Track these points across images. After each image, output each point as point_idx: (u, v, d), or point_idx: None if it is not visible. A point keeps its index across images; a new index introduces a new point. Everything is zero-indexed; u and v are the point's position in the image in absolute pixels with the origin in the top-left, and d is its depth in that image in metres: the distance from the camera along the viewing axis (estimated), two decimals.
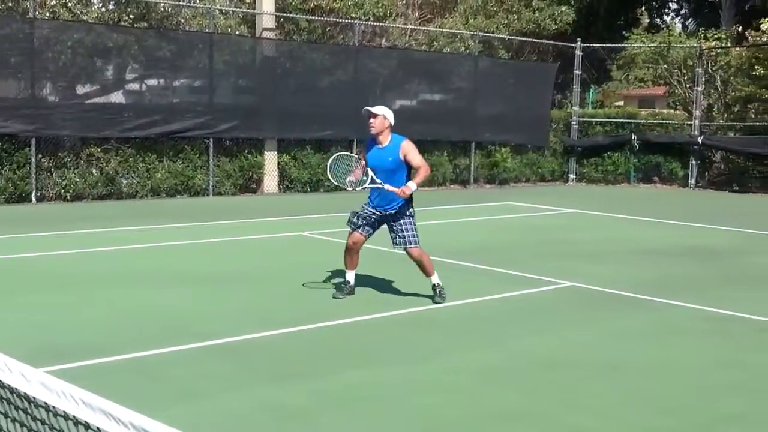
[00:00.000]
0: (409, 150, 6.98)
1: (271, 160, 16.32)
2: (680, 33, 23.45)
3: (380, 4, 19.35)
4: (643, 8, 30.78)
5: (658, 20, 30.74)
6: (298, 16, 18.00)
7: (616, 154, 20.55)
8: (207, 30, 16.09)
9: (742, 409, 4.67)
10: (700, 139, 19.47)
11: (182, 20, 16.55)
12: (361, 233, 7.01)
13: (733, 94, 19.67)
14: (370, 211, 6.99)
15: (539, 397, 4.78)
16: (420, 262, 7.07)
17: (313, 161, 16.70)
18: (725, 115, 19.82)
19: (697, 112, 19.75)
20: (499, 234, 11.68)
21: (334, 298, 7.10)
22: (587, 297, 7.55)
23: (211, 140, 15.51)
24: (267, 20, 16.57)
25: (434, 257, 9.17)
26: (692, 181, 19.73)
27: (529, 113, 19.97)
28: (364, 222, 6.99)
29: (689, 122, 20.04)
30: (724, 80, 19.84)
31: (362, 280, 8.10)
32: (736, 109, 19.73)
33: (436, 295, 7.07)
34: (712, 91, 20.00)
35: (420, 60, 19.28)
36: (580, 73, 20.99)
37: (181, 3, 16.76)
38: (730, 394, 4.91)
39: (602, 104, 31.13)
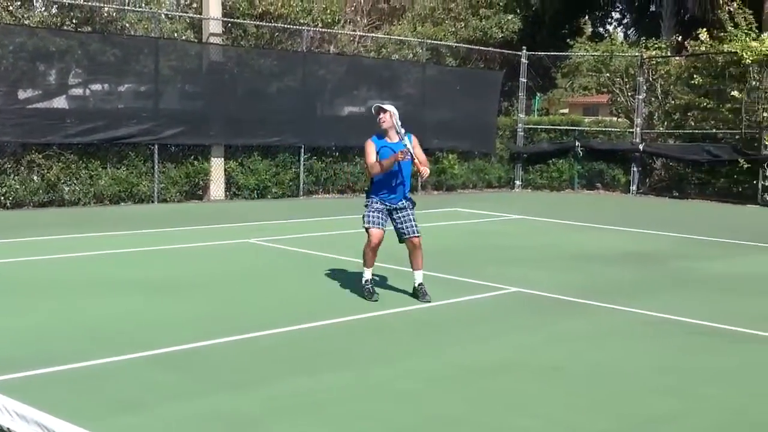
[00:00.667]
0: (417, 144, 7.43)
1: (217, 166, 16.22)
2: (622, 42, 23.90)
3: (329, 11, 19.38)
4: (587, 18, 31.31)
5: (602, 29, 31.35)
6: (245, 21, 17.91)
7: (561, 160, 20.91)
8: (152, 35, 15.93)
9: (673, 409, 4.81)
10: (641, 147, 19.91)
11: (127, 24, 16.34)
12: (382, 228, 7.36)
13: (673, 102, 20.14)
14: (380, 207, 7.37)
15: (485, 402, 4.85)
16: (419, 251, 7.45)
17: (261, 168, 16.64)
18: (665, 123, 20.30)
19: (639, 119, 20.20)
20: (446, 240, 11.79)
21: (374, 301, 7.31)
22: (531, 302, 7.67)
23: (156, 146, 15.35)
24: (214, 25, 16.48)
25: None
26: (634, 188, 20.16)
27: (476, 120, 20.19)
28: (378, 218, 7.35)
29: (631, 130, 20.48)
30: (664, 89, 20.32)
31: (309, 288, 8.12)
32: (675, 117, 20.21)
33: (422, 296, 7.43)
34: (653, 99, 20.46)
35: (368, 66, 19.37)
36: (525, 80, 21.30)
37: (125, 7, 16.55)
38: (663, 395, 5.06)
39: (547, 112, 31.61)
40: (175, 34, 17.07)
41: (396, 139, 7.38)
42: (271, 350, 5.83)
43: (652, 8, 28.92)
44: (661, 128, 20.31)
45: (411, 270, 7.55)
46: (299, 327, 6.43)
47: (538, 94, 29.43)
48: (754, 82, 18.25)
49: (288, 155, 17.16)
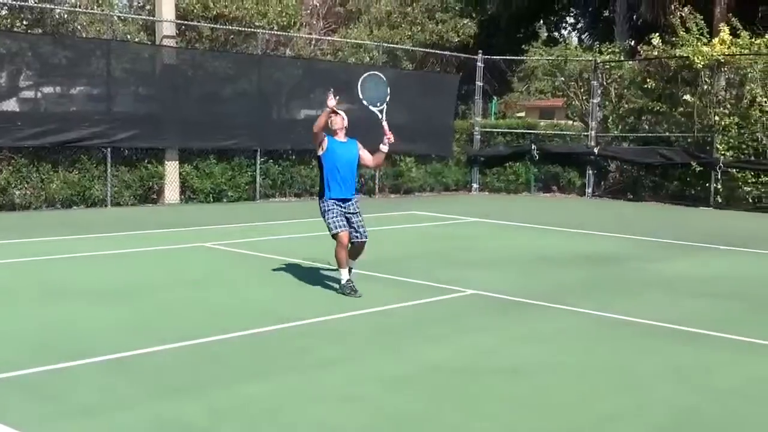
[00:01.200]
0: (361, 147, 8.12)
1: (172, 169, 16.00)
2: (576, 47, 24.22)
3: (284, 14, 19.28)
4: (542, 22, 31.68)
5: (556, 34, 31.70)
6: (199, 23, 17.74)
7: (517, 164, 21.05)
8: (105, 37, 15.67)
9: (628, 408, 4.84)
10: (596, 150, 20.15)
11: (79, 27, 16.07)
12: (347, 230, 7.75)
13: (626, 106, 20.41)
14: (338, 210, 7.80)
15: (441, 405, 4.83)
16: (360, 252, 8.04)
17: (216, 171, 16.46)
18: (619, 127, 20.56)
19: (593, 123, 20.43)
20: (403, 243, 11.77)
21: (358, 296, 7.60)
22: (488, 304, 7.68)
23: (109, 149, 15.09)
24: (167, 27, 16.27)
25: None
26: (589, 190, 20.38)
27: (433, 123, 20.23)
28: (342, 219, 7.79)
29: (586, 133, 20.70)
30: (618, 93, 20.60)
31: (264, 292, 8.03)
32: (629, 121, 20.49)
33: (350, 290, 7.73)
34: (607, 103, 20.72)
35: (325, 70, 19.27)
36: (482, 84, 21.41)
37: (77, 9, 16.28)
38: (614, 395, 5.09)
39: (504, 115, 31.84)
40: (128, 36, 16.85)
41: (344, 140, 7.99)
42: (223, 355, 5.73)
43: (606, 13, 29.30)
44: (616, 132, 20.57)
45: (351, 267, 7.98)
46: (253, 331, 6.35)
47: (495, 98, 29.64)
48: (705, 86, 18.57)
49: (244, 158, 17.01)
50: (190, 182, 16.25)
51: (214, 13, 18.03)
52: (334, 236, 7.73)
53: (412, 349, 6.04)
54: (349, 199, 7.89)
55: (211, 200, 16.39)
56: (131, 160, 15.63)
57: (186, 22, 17.48)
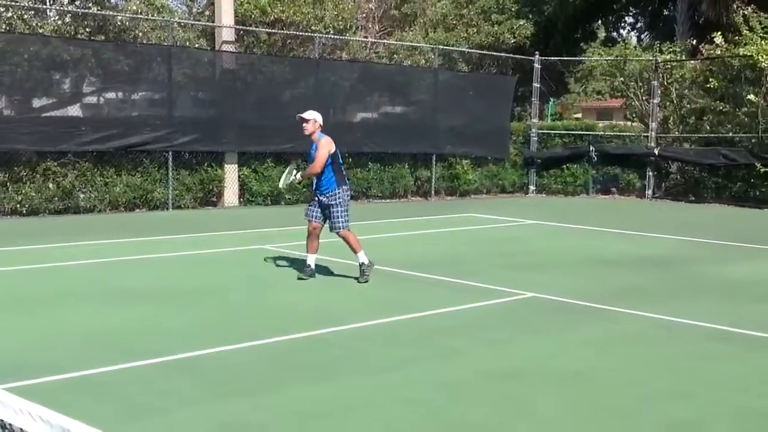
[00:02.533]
0: (319, 147, 8.37)
1: (231, 173, 16.24)
2: (636, 46, 23.84)
3: (341, 18, 19.41)
4: (600, 22, 31.27)
5: (615, 34, 31.25)
6: (258, 29, 17.98)
7: (575, 165, 20.81)
8: (165, 43, 15.99)
9: (690, 415, 4.75)
10: (656, 151, 19.79)
11: (140, 33, 16.42)
12: (315, 221, 8.46)
13: (688, 106, 20.02)
14: (316, 200, 8.47)
15: (499, 409, 4.80)
16: (346, 240, 8.52)
17: (274, 174, 16.64)
18: (680, 127, 20.17)
19: (653, 124, 20.08)
20: (460, 246, 11.74)
21: (299, 279, 8.41)
22: (547, 307, 7.62)
23: (170, 153, 15.38)
24: (226, 33, 16.52)
25: (395, 269, 9.25)
26: (649, 192, 20.04)
27: (489, 125, 20.13)
28: (315, 209, 8.46)
29: (646, 134, 20.35)
30: (679, 93, 20.20)
31: (323, 294, 8.09)
32: (691, 121, 20.09)
33: (361, 274, 8.41)
34: (668, 103, 20.34)
35: (381, 73, 19.37)
36: (538, 85, 21.23)
37: (139, 16, 16.63)
38: (679, 400, 4.99)
39: (561, 116, 31.50)
40: (188, 42, 17.15)
41: (315, 140, 8.44)
42: (283, 357, 5.80)
43: (666, 12, 28.79)
44: (677, 132, 20.19)
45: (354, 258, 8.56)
46: (312, 333, 6.40)
47: (552, 99, 29.37)
48: None
49: (301, 161, 17.13)
50: (248, 185, 16.46)
51: (272, 18, 18.26)
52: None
53: (470, 353, 6.02)
54: (324, 191, 8.43)
55: (269, 203, 16.58)
56: (191, 163, 15.90)
57: (244, 27, 17.72)
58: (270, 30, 18.08)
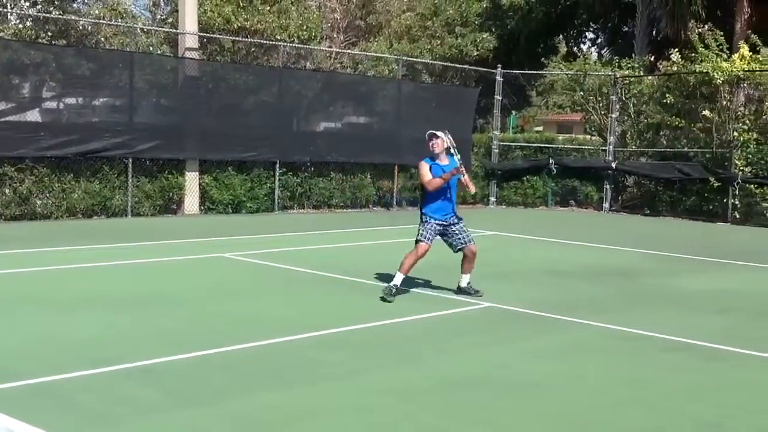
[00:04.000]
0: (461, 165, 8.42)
1: (192, 180, 16.16)
2: (596, 61, 24.22)
3: (305, 27, 19.45)
4: (561, 37, 31.72)
5: (576, 49, 31.71)
6: (221, 36, 17.94)
7: (535, 177, 21.08)
8: (128, 49, 15.89)
9: (647, 424, 4.85)
10: (614, 164, 20.14)
11: (102, 38, 16.30)
12: (429, 243, 8.28)
13: (645, 121, 20.41)
14: (436, 225, 8.29)
15: (454, 417, 4.86)
16: (473, 257, 8.45)
17: (236, 182, 16.61)
18: (638, 141, 20.55)
19: (612, 138, 20.43)
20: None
21: (385, 301, 8.03)
22: (505, 317, 7.71)
23: (131, 160, 15.26)
24: (190, 40, 16.47)
25: (355, 278, 9.28)
26: (606, 205, 20.36)
27: (451, 137, 20.23)
28: (431, 234, 8.28)
29: (604, 148, 20.71)
30: (637, 108, 20.58)
31: (283, 303, 8.10)
32: (648, 136, 20.48)
33: (473, 292, 8.50)
34: (626, 118, 20.71)
35: (345, 82, 19.45)
36: (500, 98, 21.48)
37: (101, 21, 16.52)
38: (635, 409, 5.10)
39: (522, 129, 31.84)
40: (151, 48, 17.06)
41: (445, 162, 8.34)
42: (242, 365, 5.80)
43: (626, 28, 29.30)
44: (634, 146, 20.56)
45: (460, 273, 8.56)
46: (271, 341, 6.41)
47: (514, 112, 29.69)
48: (724, 102, 18.54)
49: (263, 170, 17.15)
50: (209, 193, 16.39)
51: (236, 26, 18.24)
52: (416, 242, 8.28)
53: (427, 362, 6.08)
54: (450, 216, 8.36)
55: (230, 211, 16.53)
56: (152, 170, 15.80)
57: (208, 34, 17.68)
58: (234, 38, 18.05)
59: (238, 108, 16.95)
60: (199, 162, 16.34)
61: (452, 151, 8.36)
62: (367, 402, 5.06)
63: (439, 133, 8.36)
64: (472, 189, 8.67)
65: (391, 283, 8.19)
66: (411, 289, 8.80)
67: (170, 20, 19.25)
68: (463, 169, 8.32)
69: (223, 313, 7.49)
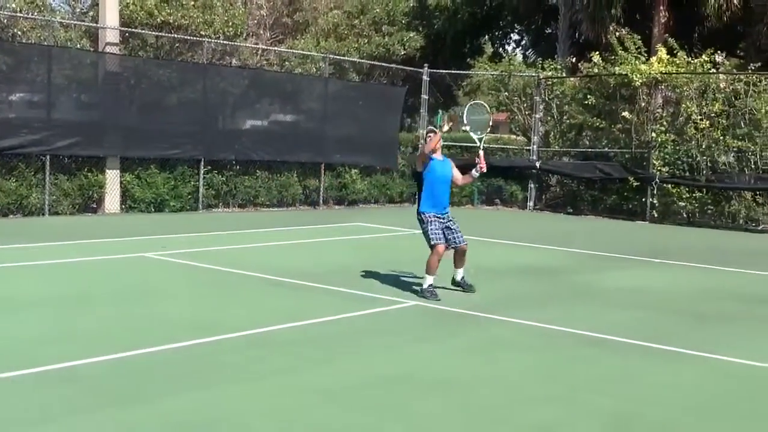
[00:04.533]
0: (454, 165, 8.90)
1: (112, 178, 15.80)
2: (520, 62, 24.60)
3: (231, 23, 19.22)
4: (487, 38, 32.11)
5: (501, 50, 32.16)
6: (144, 31, 17.58)
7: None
8: (46, 43, 15.43)
9: (560, 417, 4.96)
10: (537, 164, 20.50)
11: (19, 32, 15.79)
12: (445, 243, 8.54)
13: (568, 121, 20.84)
14: (439, 222, 8.60)
15: (376, 415, 4.89)
16: (463, 255, 8.74)
17: (158, 180, 16.30)
18: (561, 141, 20.97)
19: (535, 138, 20.80)
20: (347, 255, 11.82)
21: (437, 300, 8.28)
22: (430, 315, 7.78)
23: (48, 157, 14.82)
24: (110, 35, 16.08)
25: (282, 278, 9.23)
26: (531, 204, 20.73)
27: (378, 136, 20.37)
28: (440, 232, 8.56)
29: (528, 147, 21.06)
30: (560, 108, 21.00)
31: (205, 303, 8.00)
32: (570, 136, 20.92)
33: (466, 286, 8.81)
34: (549, 118, 21.12)
35: (271, 80, 19.29)
36: (427, 97, 21.63)
37: (18, 14, 16.01)
38: (550, 403, 5.21)
39: (450, 129, 31.96)
40: (70, 43, 16.62)
41: (440, 158, 8.71)
42: (164, 365, 5.70)
43: (549, 30, 29.85)
44: (557, 146, 20.97)
45: (454, 268, 8.87)
46: (192, 342, 6.32)
47: (441, 111, 29.92)
48: (643, 104, 19.07)
49: (187, 168, 16.88)
50: (131, 191, 16.06)
51: (159, 20, 17.89)
52: (432, 246, 8.49)
53: (350, 361, 6.09)
54: (446, 212, 8.66)
55: (153, 210, 16.22)
56: (71, 168, 15.39)
57: (130, 29, 17.30)
58: (157, 33, 17.72)
59: (161, 105, 16.64)
60: (120, 159, 15.98)
61: (470, 128, 9.16)
62: (289, 401, 5.04)
63: (437, 131, 8.72)
64: (484, 167, 8.93)
65: (426, 286, 8.47)
66: (338, 289, 8.79)
67: (91, 14, 18.78)
68: (453, 171, 8.78)
69: (145, 313, 7.35)
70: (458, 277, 8.90)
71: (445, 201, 8.72)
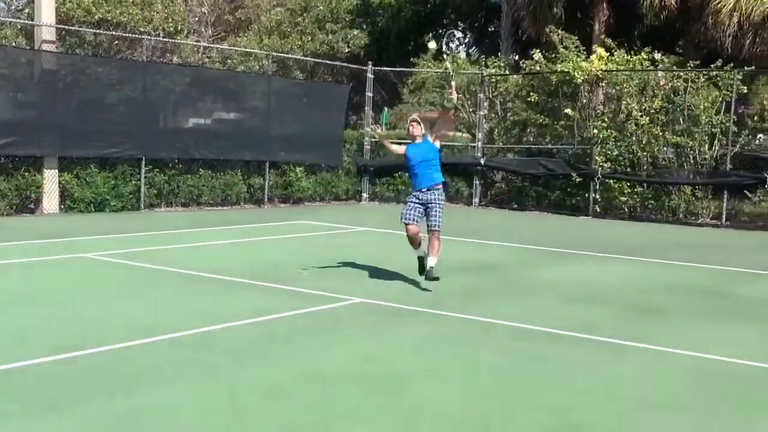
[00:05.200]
0: (430, 136, 9.14)
1: (51, 178, 15.43)
2: (464, 60, 24.74)
3: (171, 20, 18.93)
4: (431, 36, 32.20)
5: (445, 47, 32.27)
6: (81, 29, 17.20)
7: (407, 173, 21.25)
8: None
9: (497, 410, 4.99)
10: (482, 161, 20.64)
11: None
12: (416, 224, 8.87)
13: (511, 118, 21.02)
14: (417, 202, 8.90)
15: (323, 412, 4.84)
16: (435, 243, 8.84)
17: (98, 180, 15.97)
18: (505, 138, 21.14)
19: (480, 134, 20.94)
20: (292, 252, 11.74)
21: (431, 279, 8.70)
22: (373, 312, 7.75)
23: None
24: (47, 32, 15.68)
25: (226, 277, 9.12)
26: (476, 200, 20.86)
27: (323, 133, 20.28)
28: (413, 213, 8.86)
29: (473, 144, 21.19)
30: (503, 105, 21.18)
31: (143, 304, 7.84)
32: (514, 133, 21.11)
33: (431, 276, 8.77)
34: (494, 115, 21.28)
35: (213, 78, 19.05)
36: (372, 95, 21.61)
37: None
38: (489, 396, 5.24)
39: (395, 126, 32.10)
40: (4, 40, 16.19)
41: (420, 141, 9.00)
42: (102, 368, 5.57)
43: (492, 28, 30.09)
44: (501, 143, 21.14)
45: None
46: (133, 343, 6.19)
47: (386, 109, 29.92)
48: (584, 100, 19.34)
49: (128, 167, 16.58)
50: (70, 191, 15.70)
51: (97, 17, 17.53)
52: (405, 224, 8.88)
53: (295, 359, 6.02)
54: (429, 189, 8.89)
55: (93, 210, 15.89)
56: (7, 168, 14.99)
57: (67, 27, 16.91)
58: (95, 30, 17.35)
59: (100, 103, 16.30)
60: (58, 159, 15.62)
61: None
62: (232, 401, 4.96)
63: (416, 118, 9.14)
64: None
65: (427, 267, 8.77)
66: (283, 287, 8.71)
67: (27, 11, 18.31)
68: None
69: (84, 315, 7.18)
70: (426, 265, 8.95)
71: (426, 179, 8.92)
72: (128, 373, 5.47)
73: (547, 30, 21.02)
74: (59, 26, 16.40)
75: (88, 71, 16.32)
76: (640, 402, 5.28)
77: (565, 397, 5.31)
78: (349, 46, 24.71)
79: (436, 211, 8.90)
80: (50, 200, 15.45)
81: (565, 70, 19.21)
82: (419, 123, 9.09)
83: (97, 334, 6.44)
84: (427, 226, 8.90)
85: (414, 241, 8.97)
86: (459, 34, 32.44)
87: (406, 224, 8.88)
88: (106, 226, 13.62)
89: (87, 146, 15.84)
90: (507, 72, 21.82)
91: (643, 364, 6.27)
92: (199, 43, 20.91)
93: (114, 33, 17.59)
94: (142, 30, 18.00)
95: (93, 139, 15.85)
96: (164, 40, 18.55)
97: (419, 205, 8.90)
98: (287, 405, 4.95)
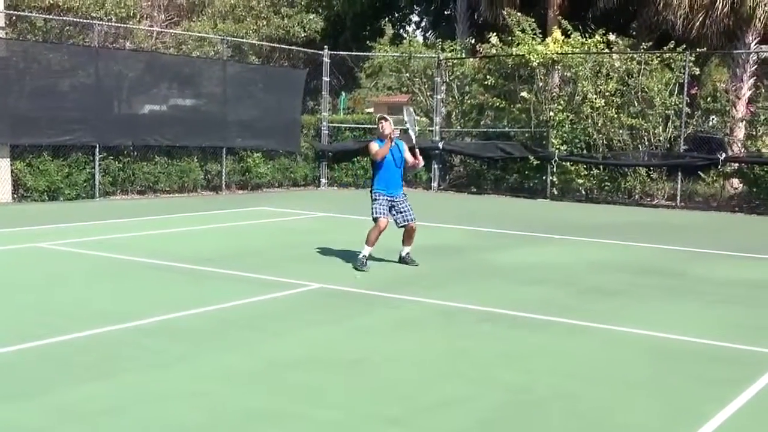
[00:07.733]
0: (406, 148, 9.38)
1: (2, 167, 15.11)
2: (421, 44, 24.74)
3: (123, 5, 18.61)
4: (387, 20, 32.15)
5: (402, 31, 32.26)
6: (31, 14, 16.83)
7: (366, 158, 21.26)
8: None
9: (464, 392, 5.03)
10: (440, 145, 20.69)
11: None
12: (386, 218, 9.20)
13: (469, 102, 21.09)
14: (385, 199, 9.24)
15: (287, 397, 4.84)
16: (413, 233, 9.42)
17: (52, 168, 15.69)
18: (463, 122, 21.21)
19: (438, 118, 20.98)
20: (251, 239, 11.68)
21: (358, 270, 8.92)
22: (333, 297, 7.75)
23: None
24: None
25: (185, 264, 9.04)
26: (435, 184, 20.93)
27: (280, 118, 20.15)
28: (384, 209, 9.22)
29: (431, 128, 21.22)
30: (461, 89, 21.24)
31: (102, 292, 7.75)
32: (472, 116, 21.19)
33: (411, 261, 9.44)
34: (451, 99, 21.33)
35: (168, 63, 18.78)
36: (328, 79, 21.51)
37: None
38: (451, 380, 5.28)
39: (353, 110, 32.08)
40: None
41: (391, 144, 9.16)
42: (62, 357, 5.50)
43: (448, 12, 30.09)
44: (459, 127, 21.21)
45: (402, 245, 9.52)
46: (92, 332, 6.12)
47: (344, 93, 29.85)
48: (541, 84, 19.47)
49: (82, 155, 16.31)
50: (22, 180, 15.40)
51: (48, 3, 17.17)
52: (374, 220, 9.15)
53: (256, 345, 6.01)
54: (397, 195, 9.33)
55: (47, 199, 15.62)
56: None
57: (17, 12, 16.52)
58: (45, 16, 16.99)
59: (52, 89, 15.98)
60: (10, 147, 15.29)
61: (410, 126, 9.45)
62: (195, 387, 4.94)
63: (387, 117, 9.34)
64: (420, 162, 9.44)
65: (360, 255, 9.07)
66: (242, 273, 8.67)
67: None
68: (404, 155, 9.27)
69: (41, 304, 7.08)
70: (404, 253, 9.48)
71: (396, 183, 9.32)
72: (88, 362, 5.41)
73: (504, 12, 21.09)
74: (8, 12, 16.03)
75: (39, 57, 15.98)
76: (597, 380, 5.37)
77: (525, 377, 5.38)
78: (305, 31, 24.56)
79: (406, 205, 9.37)
80: (2, 189, 15.14)
81: (521, 53, 19.31)
82: (388, 121, 9.26)
83: (56, 324, 6.34)
84: (405, 220, 9.31)
85: (378, 236, 9.16)
86: (415, 18, 32.42)
87: (377, 219, 9.14)
88: (61, 215, 13.40)
89: (39, 134, 15.54)
90: (464, 56, 21.87)
91: (601, 344, 6.38)
92: (152, 28, 20.59)
93: (65, 18, 17.23)
94: (94, 15, 17.66)
95: (45, 126, 15.56)
96: (116, 25, 18.24)
97: (386, 201, 9.28)
98: (249, 392, 4.94)
